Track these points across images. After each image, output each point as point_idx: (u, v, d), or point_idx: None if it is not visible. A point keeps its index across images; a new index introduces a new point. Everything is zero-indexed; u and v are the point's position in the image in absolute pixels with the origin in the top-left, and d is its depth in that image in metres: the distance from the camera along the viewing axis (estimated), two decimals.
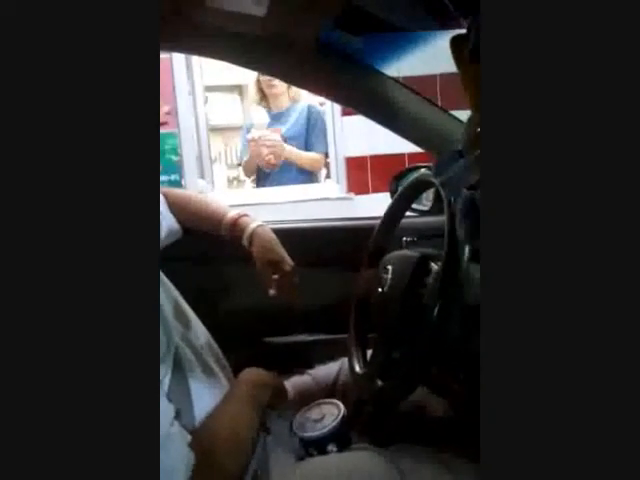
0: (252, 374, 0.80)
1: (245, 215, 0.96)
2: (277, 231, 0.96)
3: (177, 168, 2.51)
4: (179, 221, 0.99)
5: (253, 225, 0.94)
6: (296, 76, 1.07)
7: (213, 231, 0.97)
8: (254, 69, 1.69)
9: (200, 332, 0.83)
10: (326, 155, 2.48)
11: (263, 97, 2.35)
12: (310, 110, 2.34)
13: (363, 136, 2.36)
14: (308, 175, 2.40)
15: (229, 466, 0.65)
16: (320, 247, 1.18)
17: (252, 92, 2.39)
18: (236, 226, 0.95)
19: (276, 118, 2.38)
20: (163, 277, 0.79)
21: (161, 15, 0.80)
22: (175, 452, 0.57)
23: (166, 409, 0.60)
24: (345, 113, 2.40)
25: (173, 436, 0.58)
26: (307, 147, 2.36)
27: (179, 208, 0.99)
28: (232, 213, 0.96)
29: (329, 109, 2.50)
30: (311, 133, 2.35)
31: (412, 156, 2.04)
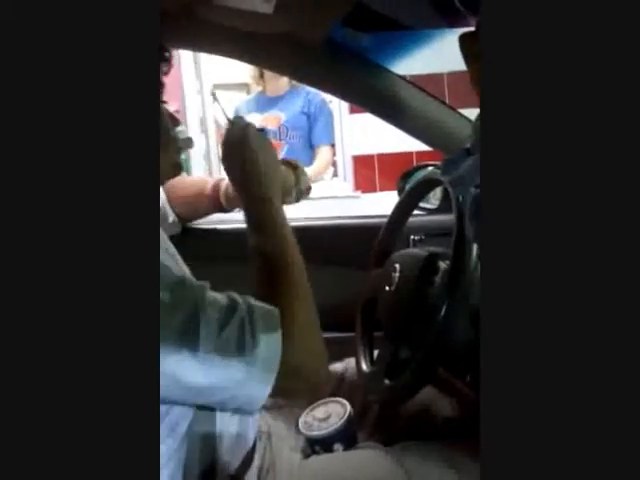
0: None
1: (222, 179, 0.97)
2: None
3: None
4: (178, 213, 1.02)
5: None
6: (304, 73, 1.07)
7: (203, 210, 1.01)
8: (262, 66, 1.70)
9: None
10: (332, 146, 2.22)
11: (261, 76, 2.14)
12: (311, 97, 2.15)
13: (371, 134, 2.35)
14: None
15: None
16: (326, 245, 1.18)
17: (251, 70, 2.18)
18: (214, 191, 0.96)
19: (273, 103, 2.17)
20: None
21: (169, 12, 0.81)
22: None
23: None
24: (353, 111, 2.40)
25: None
26: (311, 139, 2.17)
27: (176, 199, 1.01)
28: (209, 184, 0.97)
29: (336, 107, 2.49)
30: (315, 124, 2.15)
31: (420, 154, 2.03)
